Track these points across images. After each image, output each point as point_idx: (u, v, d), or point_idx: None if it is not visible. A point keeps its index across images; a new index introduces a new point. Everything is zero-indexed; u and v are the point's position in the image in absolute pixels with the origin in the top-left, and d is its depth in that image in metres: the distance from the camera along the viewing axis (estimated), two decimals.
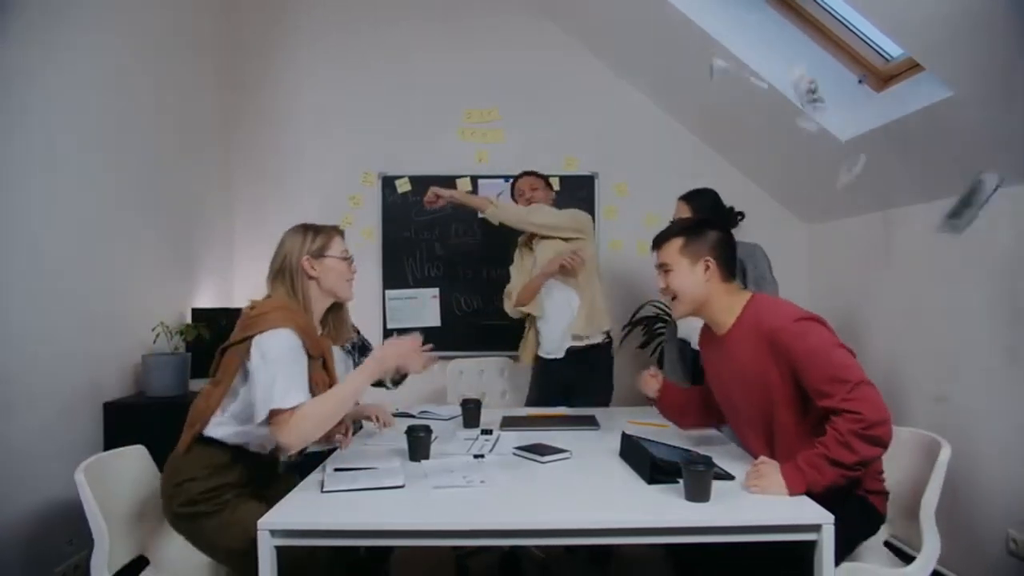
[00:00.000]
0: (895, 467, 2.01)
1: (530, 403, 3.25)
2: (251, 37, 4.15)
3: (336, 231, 2.07)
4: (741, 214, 2.91)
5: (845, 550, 1.82)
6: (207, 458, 1.88)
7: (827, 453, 1.70)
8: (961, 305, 2.69)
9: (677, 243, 1.99)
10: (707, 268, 1.96)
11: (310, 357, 1.90)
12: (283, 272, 1.98)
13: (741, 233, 2.64)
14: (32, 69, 2.51)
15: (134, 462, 2.07)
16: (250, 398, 1.83)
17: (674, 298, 2.01)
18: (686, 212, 2.82)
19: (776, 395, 1.88)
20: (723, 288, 1.98)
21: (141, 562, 1.95)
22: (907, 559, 1.88)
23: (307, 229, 2.04)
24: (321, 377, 1.96)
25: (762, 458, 1.81)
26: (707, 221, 2.05)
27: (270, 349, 1.81)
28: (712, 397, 2.19)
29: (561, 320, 3.13)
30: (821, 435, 1.74)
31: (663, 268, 2.02)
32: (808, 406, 1.83)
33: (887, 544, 2.02)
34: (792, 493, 1.70)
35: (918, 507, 1.83)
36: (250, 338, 1.84)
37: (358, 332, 2.82)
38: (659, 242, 2.05)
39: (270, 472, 2.05)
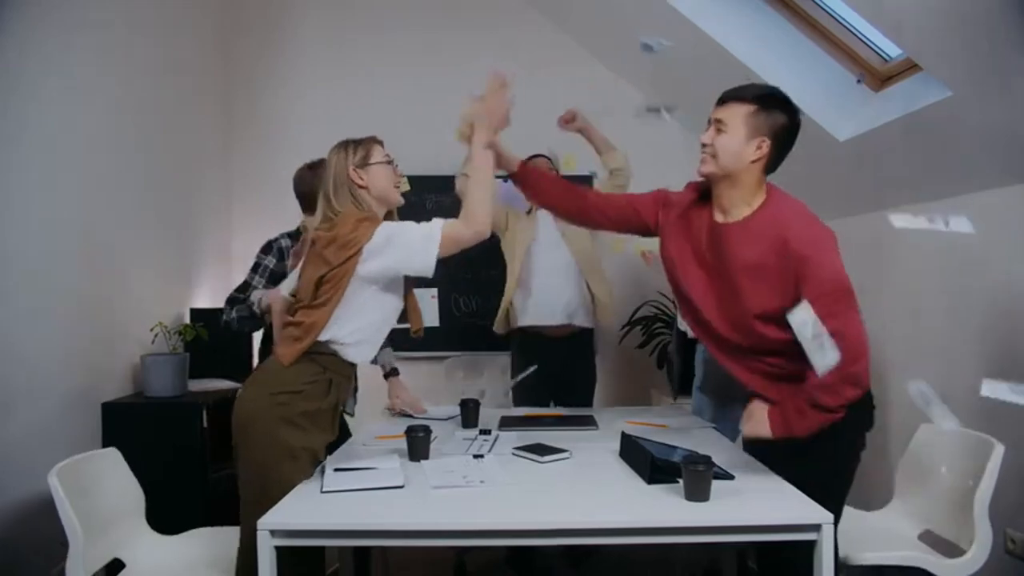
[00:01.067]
0: (934, 465, 2.10)
1: (516, 396, 3.21)
2: (251, 39, 4.15)
3: (374, 140, 2.14)
4: None
5: (847, 455, 1.87)
6: (309, 374, 1.95)
7: (812, 398, 1.72)
8: (960, 305, 2.69)
9: (747, 109, 1.81)
10: (759, 148, 1.81)
11: None
12: (339, 189, 2.04)
13: None
14: (32, 72, 2.51)
15: (109, 465, 2.06)
16: (393, 275, 1.99)
17: (712, 156, 1.85)
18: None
19: (758, 304, 1.82)
20: (758, 178, 1.85)
21: (116, 565, 1.95)
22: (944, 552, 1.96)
23: (347, 144, 2.11)
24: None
25: (756, 402, 1.84)
26: (785, 101, 1.84)
27: (386, 234, 1.93)
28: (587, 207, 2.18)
29: (558, 286, 3.09)
30: (778, 358, 1.80)
31: (717, 125, 1.84)
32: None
33: (922, 538, 2.08)
34: (774, 435, 1.75)
35: (961, 503, 1.91)
36: (357, 253, 1.91)
37: None
38: (728, 98, 1.85)
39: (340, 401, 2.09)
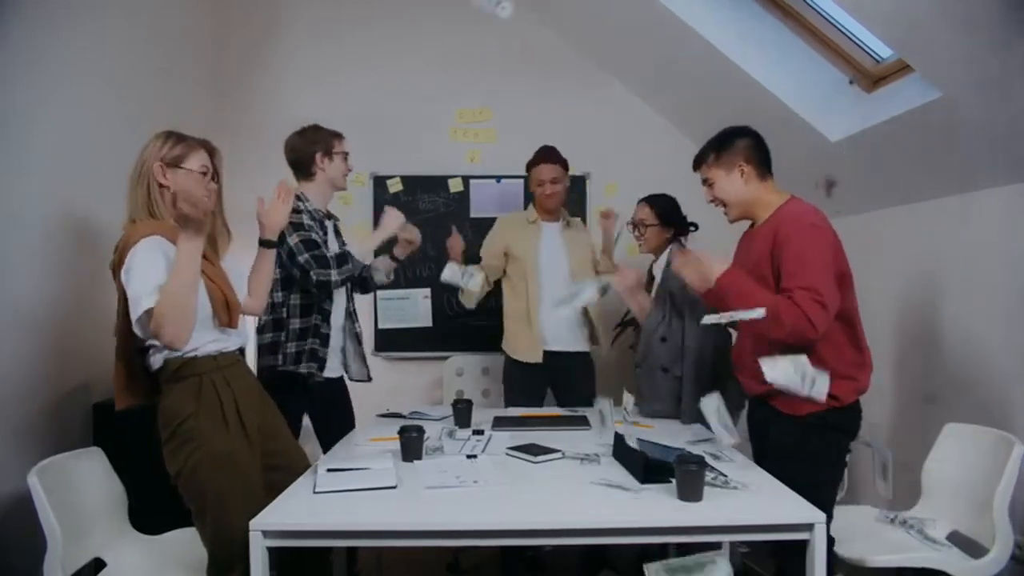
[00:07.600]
0: (960, 464, 2.10)
1: (508, 396, 3.19)
2: (243, 39, 4.13)
3: (203, 145, 1.96)
4: (695, 225, 2.98)
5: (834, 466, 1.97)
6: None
7: (757, 296, 1.90)
8: (958, 304, 2.71)
9: (711, 158, 2.15)
10: (743, 173, 2.11)
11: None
12: (140, 178, 1.90)
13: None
14: (31, 70, 2.50)
15: (91, 465, 2.06)
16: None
17: (724, 206, 2.16)
18: (648, 213, 2.93)
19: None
20: (762, 187, 2.13)
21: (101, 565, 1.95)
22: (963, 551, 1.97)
23: (169, 136, 1.92)
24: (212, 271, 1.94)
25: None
26: (735, 131, 2.15)
27: (128, 265, 1.82)
28: None
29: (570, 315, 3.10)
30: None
31: (706, 183, 2.18)
32: None
33: (950, 537, 2.07)
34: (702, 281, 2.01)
35: (983, 503, 1.90)
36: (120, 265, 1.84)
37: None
38: (697, 162, 2.21)
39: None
